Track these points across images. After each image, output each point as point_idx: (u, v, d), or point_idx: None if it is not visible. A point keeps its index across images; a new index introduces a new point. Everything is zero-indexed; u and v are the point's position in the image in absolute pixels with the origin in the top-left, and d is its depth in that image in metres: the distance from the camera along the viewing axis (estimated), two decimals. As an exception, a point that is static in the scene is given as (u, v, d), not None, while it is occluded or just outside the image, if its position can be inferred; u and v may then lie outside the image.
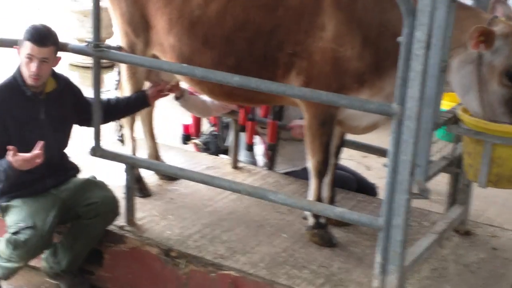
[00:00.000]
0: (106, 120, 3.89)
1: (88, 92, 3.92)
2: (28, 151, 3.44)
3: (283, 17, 3.48)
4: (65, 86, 3.74)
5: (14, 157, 3.39)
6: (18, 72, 3.58)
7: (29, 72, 3.51)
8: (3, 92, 3.57)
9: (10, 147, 3.39)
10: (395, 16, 3.25)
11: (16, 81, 3.58)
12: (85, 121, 3.85)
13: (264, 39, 3.53)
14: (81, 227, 3.72)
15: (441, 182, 4.15)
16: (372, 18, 3.37)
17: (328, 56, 3.41)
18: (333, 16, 3.37)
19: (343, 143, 4.01)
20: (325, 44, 3.40)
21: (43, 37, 3.51)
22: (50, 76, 3.67)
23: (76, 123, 3.87)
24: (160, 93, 4.04)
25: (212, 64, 3.62)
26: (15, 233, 3.51)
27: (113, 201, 3.77)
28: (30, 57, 3.49)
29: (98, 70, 3.64)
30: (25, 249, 3.51)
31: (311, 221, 3.80)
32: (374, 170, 6.06)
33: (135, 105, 4.00)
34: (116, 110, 3.94)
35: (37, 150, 3.40)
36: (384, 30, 3.35)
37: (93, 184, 3.81)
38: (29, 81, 3.54)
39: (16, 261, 3.58)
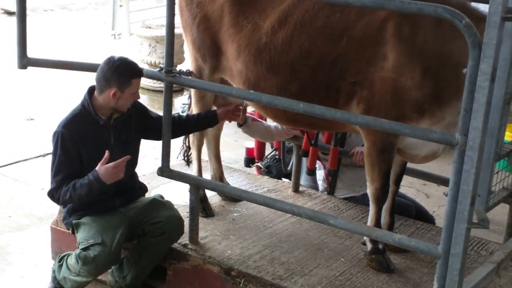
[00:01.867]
0: (176, 135, 4.00)
1: (157, 115, 4.05)
2: None
3: (347, 47, 3.55)
4: (132, 108, 3.84)
5: (103, 166, 3.53)
6: (87, 101, 3.69)
7: (129, 103, 3.69)
8: (76, 123, 3.68)
9: (106, 154, 3.54)
10: (457, 47, 3.31)
11: (87, 111, 3.69)
12: (151, 136, 3.97)
13: (327, 68, 3.61)
14: (146, 244, 3.83)
15: (500, 212, 4.13)
16: (433, 49, 3.41)
17: (388, 85, 3.46)
18: (394, 47, 3.44)
19: (404, 171, 4.04)
20: (386, 73, 3.46)
21: (139, 68, 3.69)
22: None
23: (143, 138, 3.97)
24: (229, 115, 4.13)
25: (276, 90, 3.72)
26: (84, 249, 3.64)
27: (178, 220, 3.88)
28: (136, 92, 3.67)
29: (169, 94, 3.78)
30: (94, 265, 3.64)
31: (369, 246, 3.84)
32: (433, 198, 6.05)
33: (204, 122, 4.08)
34: (185, 125, 4.04)
35: (120, 161, 3.54)
36: (445, 61, 3.40)
37: (160, 204, 3.91)
38: (122, 109, 3.69)
39: (85, 275, 3.70)
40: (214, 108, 4.27)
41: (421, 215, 4.70)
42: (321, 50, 3.62)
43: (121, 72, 3.60)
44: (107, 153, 3.56)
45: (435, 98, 3.44)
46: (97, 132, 3.70)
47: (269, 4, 3.77)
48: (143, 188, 4.05)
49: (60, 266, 3.85)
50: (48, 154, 6.32)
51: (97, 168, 3.56)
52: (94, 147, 3.68)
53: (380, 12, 3.47)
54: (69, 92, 8.25)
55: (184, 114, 4.36)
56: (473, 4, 4.56)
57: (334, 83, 3.61)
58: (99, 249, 3.62)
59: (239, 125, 4.49)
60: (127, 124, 3.81)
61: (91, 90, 3.71)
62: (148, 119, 3.95)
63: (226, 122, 4.59)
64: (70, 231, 3.88)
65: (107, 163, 3.57)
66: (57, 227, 4.35)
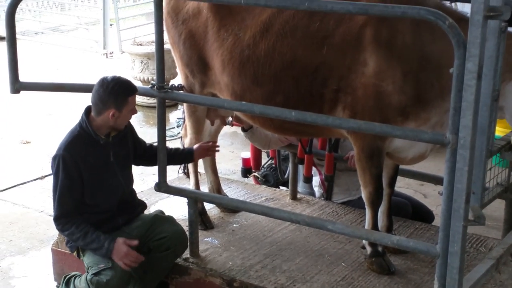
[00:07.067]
0: (148, 164, 4.06)
1: (152, 131, 4.09)
2: (100, 193, 3.63)
3: (328, 55, 3.58)
4: (128, 126, 3.86)
5: (122, 245, 3.58)
6: (85, 122, 3.67)
7: (128, 119, 3.70)
8: (76, 145, 3.66)
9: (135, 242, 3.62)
10: (438, 49, 3.35)
11: (85, 132, 3.67)
12: (136, 159, 3.97)
13: (310, 77, 3.64)
14: (151, 260, 3.83)
15: (498, 208, 4.16)
16: (412, 52, 3.44)
17: (370, 91, 3.50)
18: (373, 52, 3.46)
19: (397, 173, 4.06)
20: (367, 79, 3.49)
21: (134, 85, 3.70)
22: None
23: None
24: (206, 152, 4.16)
25: (262, 101, 3.73)
26: (96, 274, 3.63)
27: (182, 234, 3.90)
28: (134, 108, 3.68)
29: (163, 110, 3.79)
30: None
31: (369, 249, 3.86)
32: (431, 197, 6.07)
33: (180, 157, 4.13)
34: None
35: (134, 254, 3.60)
36: (425, 63, 3.43)
37: (162, 219, 3.92)
38: (120, 127, 3.69)
39: None
40: (208, 122, 4.32)
41: (419, 210, 4.74)
42: (303, 60, 3.65)
43: (117, 93, 3.60)
44: (136, 242, 3.62)
45: (418, 100, 3.47)
46: (97, 152, 3.69)
47: (247, 14, 3.80)
48: (142, 205, 4.05)
49: (67, 288, 3.87)
50: (46, 176, 6.37)
51: (117, 240, 3.60)
52: (95, 167, 3.68)
53: (358, 19, 3.50)
54: (64, 114, 8.30)
55: (179, 128, 4.39)
56: (459, 4, 4.62)
57: (318, 92, 3.64)
58: (111, 274, 3.61)
59: (244, 130, 4.54)
60: (124, 141, 3.83)
61: (88, 111, 3.71)
62: (136, 139, 3.98)
63: (222, 133, 4.63)
64: (75, 254, 3.86)
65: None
66: (58, 249, 4.36)
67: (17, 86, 3.86)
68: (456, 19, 2.86)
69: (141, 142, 3.99)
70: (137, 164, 4.04)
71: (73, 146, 3.65)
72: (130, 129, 3.92)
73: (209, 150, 4.16)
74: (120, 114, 3.63)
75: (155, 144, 3.90)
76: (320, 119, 3.32)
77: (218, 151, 4.28)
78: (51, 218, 3.76)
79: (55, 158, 3.65)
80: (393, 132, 3.18)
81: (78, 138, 3.68)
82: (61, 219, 3.66)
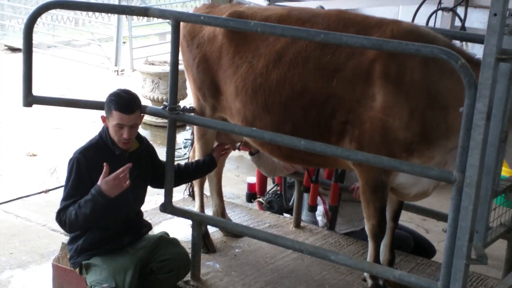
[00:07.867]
0: (177, 183, 4.04)
1: (159, 150, 4.11)
2: (111, 207, 3.59)
3: (337, 87, 3.62)
4: (145, 146, 3.91)
5: (104, 179, 3.53)
6: (105, 132, 3.74)
7: (119, 138, 3.67)
8: (92, 152, 3.72)
9: (105, 168, 3.54)
10: (445, 88, 3.40)
11: (103, 141, 3.74)
12: (155, 181, 3.98)
13: (319, 108, 3.68)
14: (153, 281, 3.83)
15: (499, 247, 4.15)
16: (420, 90, 3.47)
17: (377, 125, 3.53)
18: (382, 87, 3.50)
19: (401, 208, 4.07)
20: (374, 113, 3.52)
21: (129, 105, 3.67)
22: None
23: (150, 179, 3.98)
24: (223, 154, 4.25)
25: (271, 129, 3.76)
26: None
27: (186, 257, 3.90)
28: (121, 126, 3.65)
29: (173, 131, 3.83)
30: None
31: (370, 282, 3.86)
32: (433, 233, 6.07)
33: (203, 168, 4.18)
34: (186, 174, 4.09)
35: (120, 171, 3.54)
36: (432, 101, 3.46)
37: (167, 241, 3.92)
38: (120, 145, 3.71)
39: None
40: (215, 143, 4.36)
41: (421, 244, 4.75)
42: (312, 91, 3.69)
43: (110, 100, 3.68)
44: (106, 167, 3.57)
45: (424, 138, 3.49)
46: (112, 163, 3.68)
47: (262, 42, 3.85)
48: (148, 226, 4.05)
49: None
50: (50, 190, 6.38)
51: (98, 183, 3.57)
52: None
53: (368, 53, 3.54)
54: (71, 128, 8.34)
55: (186, 149, 4.41)
56: (470, 44, 4.65)
57: (326, 123, 3.68)
58: None
59: (251, 154, 4.57)
60: (140, 160, 3.85)
61: None
62: (157, 160, 4.00)
63: (228, 157, 4.65)
64: (77, 271, 3.85)
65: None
66: (58, 264, 4.36)
67: (29, 99, 3.89)
68: (466, 60, 2.90)
69: (163, 165, 3.96)
70: (158, 187, 4.04)
71: (89, 151, 3.72)
72: (148, 151, 3.95)
73: (221, 152, 4.22)
74: (108, 123, 3.70)
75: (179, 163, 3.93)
76: (328, 150, 3.35)
77: (228, 148, 4.33)
78: (53, 233, 3.77)
79: (70, 161, 3.72)
80: (401, 167, 3.20)
81: (96, 146, 3.75)
82: (61, 212, 3.67)
